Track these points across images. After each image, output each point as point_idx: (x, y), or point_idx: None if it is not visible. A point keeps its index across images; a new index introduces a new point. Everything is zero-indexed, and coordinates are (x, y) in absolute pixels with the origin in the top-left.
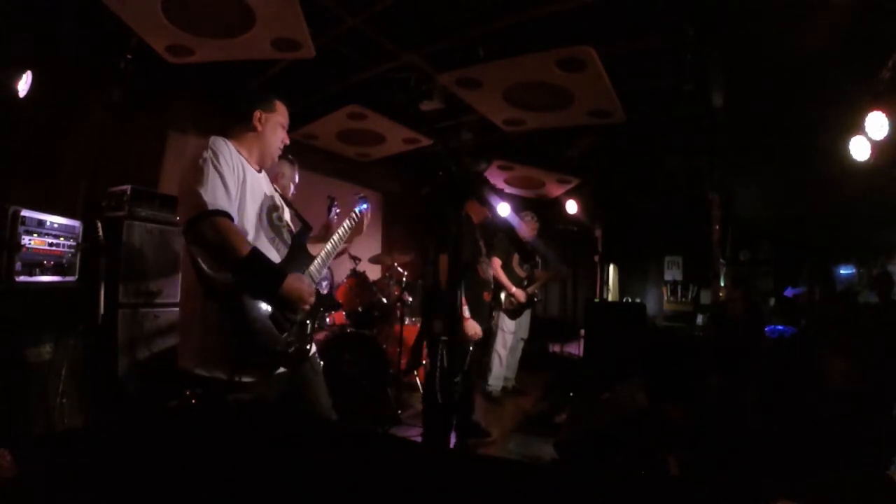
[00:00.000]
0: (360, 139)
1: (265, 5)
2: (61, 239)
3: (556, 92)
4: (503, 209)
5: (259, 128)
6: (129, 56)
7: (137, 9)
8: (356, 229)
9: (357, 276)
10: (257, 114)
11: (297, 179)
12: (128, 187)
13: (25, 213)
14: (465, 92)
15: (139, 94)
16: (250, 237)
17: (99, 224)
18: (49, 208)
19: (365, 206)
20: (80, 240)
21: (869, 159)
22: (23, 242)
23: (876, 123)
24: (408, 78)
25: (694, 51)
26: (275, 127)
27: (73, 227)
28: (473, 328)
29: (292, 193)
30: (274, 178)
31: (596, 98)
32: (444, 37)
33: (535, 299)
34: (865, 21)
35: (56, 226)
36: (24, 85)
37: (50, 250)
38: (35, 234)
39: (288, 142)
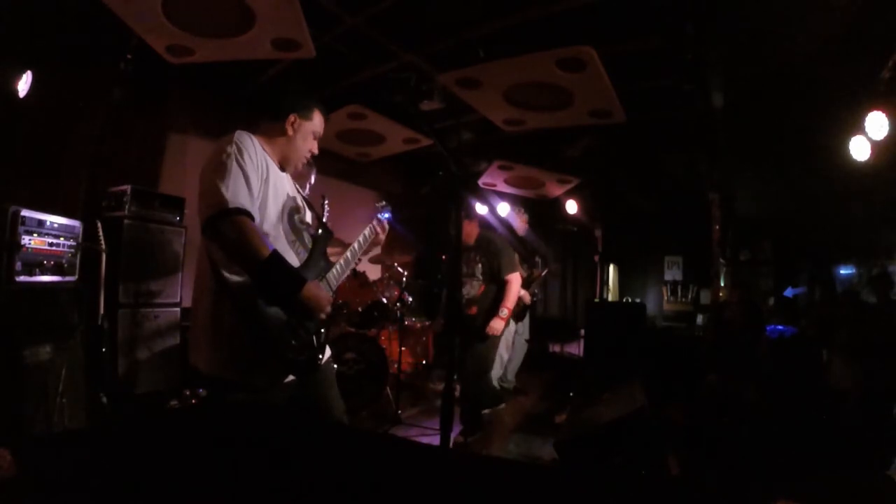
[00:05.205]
0: (360, 139)
1: (265, 5)
2: (61, 239)
3: (556, 92)
4: (502, 209)
5: (290, 132)
6: (129, 56)
7: (137, 9)
8: (375, 240)
9: (357, 277)
10: (292, 118)
11: (313, 181)
12: (128, 187)
13: (25, 213)
14: (465, 92)
15: (139, 94)
16: (271, 238)
17: (99, 224)
18: (49, 208)
19: (387, 215)
20: (80, 240)
21: (869, 159)
22: (23, 242)
23: (876, 123)
24: (408, 78)
25: (694, 51)
26: (306, 135)
27: (73, 227)
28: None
29: (307, 194)
30: (296, 177)
31: (596, 98)
32: (444, 37)
33: (535, 299)
34: (865, 21)
35: (56, 226)
36: (24, 85)
37: (50, 250)
38: (35, 234)
39: (316, 152)
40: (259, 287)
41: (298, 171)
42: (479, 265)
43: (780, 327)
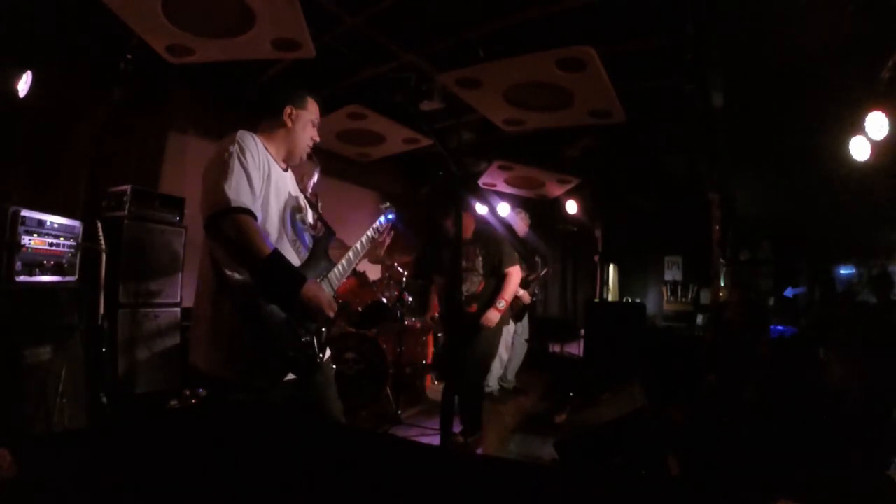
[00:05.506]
0: (360, 139)
1: (265, 5)
2: (61, 239)
3: (556, 92)
4: (503, 209)
5: (289, 124)
6: (129, 56)
7: (137, 9)
8: (378, 242)
9: (357, 276)
10: (288, 109)
11: (316, 178)
12: (128, 187)
13: (25, 213)
14: (465, 92)
15: (139, 94)
16: (272, 237)
17: (99, 224)
18: (49, 208)
19: (391, 216)
20: (80, 240)
21: (869, 159)
22: (23, 242)
23: (876, 123)
24: (408, 78)
25: (694, 51)
26: (305, 124)
27: (73, 227)
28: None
29: (310, 193)
30: (300, 178)
31: (596, 98)
32: (444, 37)
33: (535, 299)
34: (865, 21)
35: (56, 226)
36: (24, 85)
37: (50, 250)
38: (35, 234)
39: (318, 139)
40: (260, 286)
41: (303, 161)
42: (480, 258)
43: (780, 327)
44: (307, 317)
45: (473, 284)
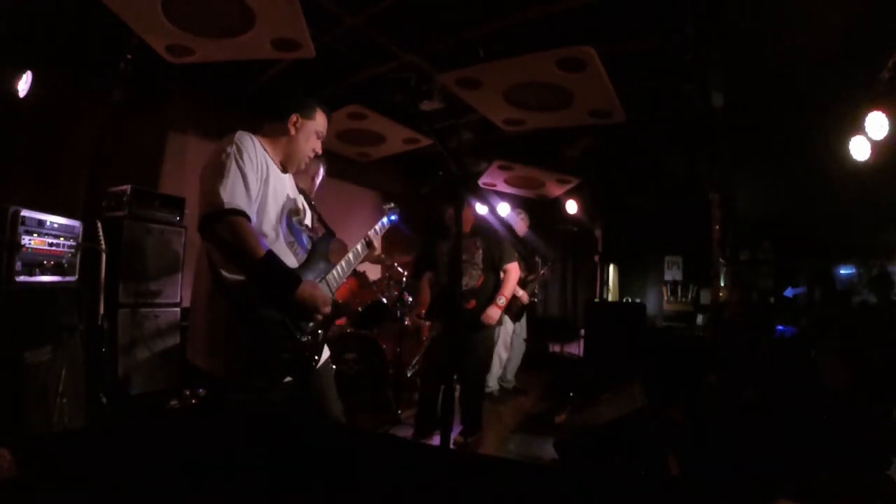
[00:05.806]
0: (360, 139)
1: (265, 5)
2: (61, 239)
3: (556, 92)
4: (503, 209)
5: (292, 132)
6: (129, 56)
7: (137, 9)
8: (372, 246)
9: (357, 277)
10: (294, 117)
11: (321, 176)
12: (128, 187)
13: (25, 213)
14: (465, 92)
15: (139, 94)
16: (269, 239)
17: (99, 224)
18: (49, 208)
19: (394, 217)
20: (80, 240)
21: (869, 159)
22: (23, 242)
23: (876, 123)
24: (408, 78)
25: (694, 51)
26: (309, 134)
27: (73, 227)
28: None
29: (314, 193)
30: (308, 178)
31: (596, 98)
32: (444, 37)
33: (535, 299)
34: (865, 21)
35: (56, 226)
36: (24, 85)
37: (50, 250)
38: (35, 234)
39: (320, 151)
40: (255, 287)
41: (301, 170)
42: (480, 251)
43: (780, 327)
44: (303, 317)
45: (472, 278)
